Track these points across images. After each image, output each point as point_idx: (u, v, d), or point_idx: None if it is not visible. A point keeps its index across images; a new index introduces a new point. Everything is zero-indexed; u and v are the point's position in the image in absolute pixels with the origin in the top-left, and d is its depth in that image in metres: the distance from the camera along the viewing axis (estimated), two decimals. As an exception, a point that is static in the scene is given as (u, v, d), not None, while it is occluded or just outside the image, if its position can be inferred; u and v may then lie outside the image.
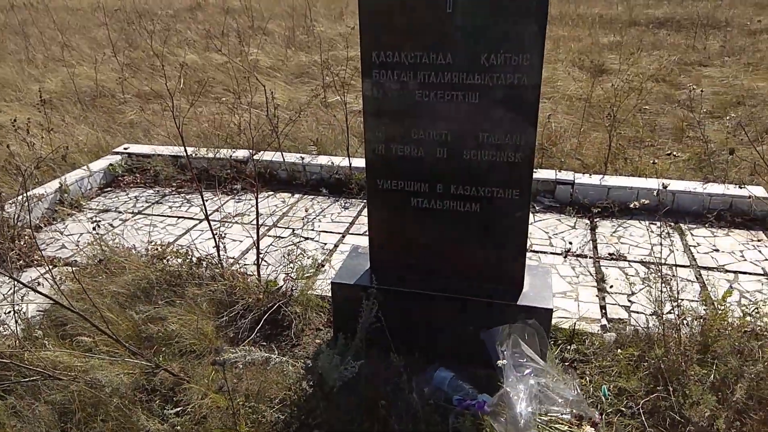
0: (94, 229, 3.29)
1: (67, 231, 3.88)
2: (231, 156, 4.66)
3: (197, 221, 4.02)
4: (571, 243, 3.56)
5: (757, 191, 3.83)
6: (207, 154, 4.65)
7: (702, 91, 5.82)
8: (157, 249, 3.27)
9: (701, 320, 2.50)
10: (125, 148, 4.96)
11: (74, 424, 2.13)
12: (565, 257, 3.42)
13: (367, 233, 2.66)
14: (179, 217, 4.09)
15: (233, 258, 3.45)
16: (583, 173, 4.21)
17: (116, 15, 11.63)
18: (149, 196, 4.47)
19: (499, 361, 2.15)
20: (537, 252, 3.49)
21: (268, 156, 4.64)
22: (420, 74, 2.23)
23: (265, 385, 2.37)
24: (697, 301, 2.89)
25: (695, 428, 2.00)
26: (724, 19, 10.43)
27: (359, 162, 4.38)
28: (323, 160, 4.57)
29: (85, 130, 5.47)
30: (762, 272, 3.23)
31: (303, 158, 4.60)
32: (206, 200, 4.28)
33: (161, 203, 4.34)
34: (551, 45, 8.50)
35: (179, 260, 3.13)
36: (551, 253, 3.48)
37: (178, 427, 2.16)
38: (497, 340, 2.23)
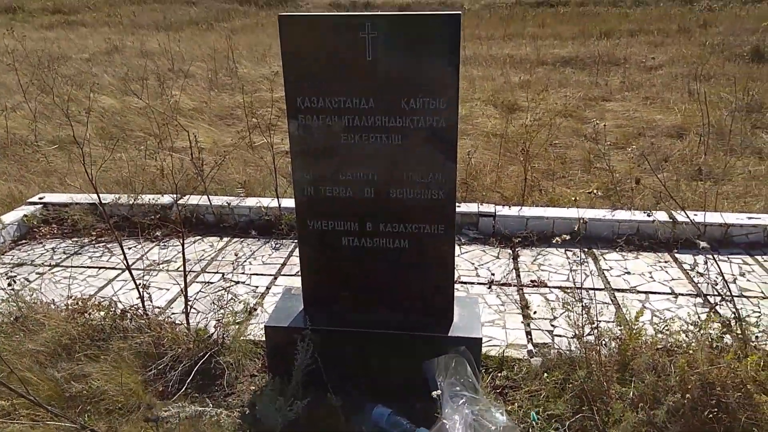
0: (9, 285, 3.11)
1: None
2: (154, 202, 4.55)
3: (119, 271, 3.88)
4: (493, 274, 3.71)
5: (661, 216, 4.17)
6: (129, 201, 4.52)
7: (605, 125, 6.30)
8: (77, 303, 3.12)
9: (618, 340, 2.68)
10: (40, 198, 4.73)
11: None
12: (490, 287, 3.56)
13: (299, 274, 2.68)
14: (100, 268, 3.93)
15: (159, 308, 3.35)
16: (503, 205, 4.43)
17: (27, 59, 11.16)
18: (67, 247, 4.27)
19: (433, 392, 2.21)
20: (464, 283, 3.61)
21: (194, 200, 4.56)
22: (344, 118, 2.32)
23: (200, 438, 2.30)
24: (612, 322, 3.08)
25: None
26: (622, 57, 11.35)
27: (289, 202, 4.40)
28: (251, 201, 4.56)
29: (-5, 181, 5.18)
30: (670, 291, 3.50)
31: (230, 201, 4.57)
32: (129, 248, 4.17)
33: (80, 254, 4.15)
34: (467, 84, 8.93)
35: (101, 313, 3.01)
36: (478, 283, 3.61)
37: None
38: (434, 371, 2.29)
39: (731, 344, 2.49)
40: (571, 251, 3.95)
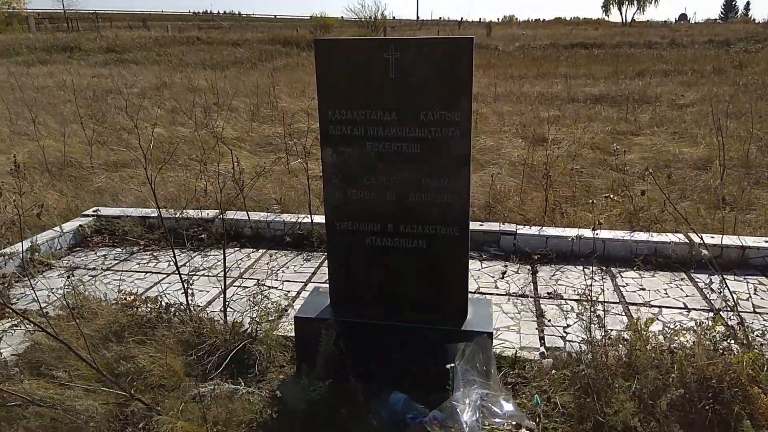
0: (68, 278, 3.46)
1: (37, 287, 4.00)
2: (198, 216, 4.92)
3: (164, 275, 4.21)
4: (511, 286, 3.90)
5: (677, 238, 4.30)
6: (175, 215, 4.89)
7: (631, 156, 6.45)
8: (126, 298, 3.44)
9: (626, 343, 2.83)
10: (94, 211, 5.16)
11: (51, 448, 2.26)
12: (507, 297, 3.75)
13: (327, 281, 2.94)
14: (147, 272, 4.27)
15: (199, 306, 3.64)
16: (524, 225, 4.62)
17: (83, 93, 12.01)
18: (117, 254, 4.65)
19: (448, 365, 2.41)
20: (484, 294, 3.80)
21: (233, 215, 4.91)
22: (370, 128, 2.61)
23: (233, 414, 2.54)
24: (624, 331, 3.22)
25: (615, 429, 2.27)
26: (654, 95, 11.50)
27: (320, 218, 4.69)
28: (286, 217, 4.87)
29: (54, 196, 5.65)
30: (683, 306, 3.61)
31: (267, 216, 4.89)
32: (175, 256, 4.51)
33: (129, 260, 4.52)
34: (497, 119, 9.23)
35: (149, 306, 3.32)
36: (497, 294, 3.80)
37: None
38: (454, 354, 2.50)
39: (731, 345, 2.62)
40: (589, 268, 4.10)
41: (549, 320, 3.43)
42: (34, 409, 2.42)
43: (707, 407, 2.31)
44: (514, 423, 2.42)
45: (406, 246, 2.75)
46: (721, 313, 3.37)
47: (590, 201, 4.95)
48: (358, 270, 2.87)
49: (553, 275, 4.08)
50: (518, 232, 4.47)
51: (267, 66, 19.30)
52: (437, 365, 2.61)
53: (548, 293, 3.79)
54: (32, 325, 2.72)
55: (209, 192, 5.61)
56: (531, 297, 3.75)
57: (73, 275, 3.58)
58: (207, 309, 3.63)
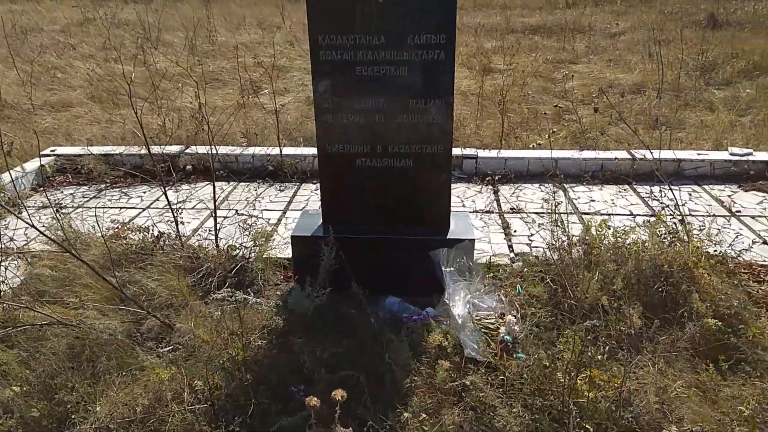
0: (56, 211, 3.47)
1: (11, 227, 3.97)
2: (163, 151, 4.91)
3: (140, 210, 4.25)
4: (477, 204, 4.22)
5: (621, 155, 4.73)
6: (139, 151, 4.86)
7: (572, 84, 6.83)
8: (114, 229, 3.51)
9: (585, 245, 3.22)
10: (52, 150, 5.04)
11: (81, 361, 2.41)
12: (475, 214, 4.07)
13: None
14: (121, 208, 4.30)
15: (186, 236, 3.76)
16: (484, 149, 4.92)
17: (-1, 31, 11.12)
18: (85, 192, 4.62)
19: (445, 269, 2.72)
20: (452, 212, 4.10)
21: (200, 150, 4.93)
22: (359, 53, 2.75)
23: (245, 321, 2.75)
24: (581, 234, 3.61)
25: (585, 308, 2.66)
26: (587, 24, 11.91)
27: (290, 150, 4.81)
28: (255, 150, 4.95)
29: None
30: (629, 213, 4.06)
31: (234, 150, 4.95)
32: (144, 193, 4.54)
33: (99, 197, 4.51)
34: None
35: (139, 236, 3.41)
36: (464, 212, 4.11)
37: (173, 360, 2.50)
38: (440, 260, 2.79)
39: (675, 239, 3.05)
40: (545, 185, 4.48)
41: (515, 231, 3.79)
42: (55, 331, 2.54)
43: (660, 288, 2.73)
44: (499, 313, 2.77)
45: (395, 165, 2.96)
46: (663, 213, 3.84)
47: (542, 126, 5.30)
48: (349, 190, 3.07)
49: (513, 193, 4.43)
50: (479, 155, 4.77)
51: (196, -2, 18.29)
52: (427, 272, 2.90)
53: (511, 209, 4.14)
54: (35, 257, 2.79)
55: (168, 129, 5.55)
56: (496, 212, 4.10)
57: (60, 211, 3.58)
58: (193, 238, 3.75)
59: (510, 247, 3.60)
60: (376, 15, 2.68)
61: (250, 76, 7.07)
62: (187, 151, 4.94)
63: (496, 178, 4.57)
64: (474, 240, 3.01)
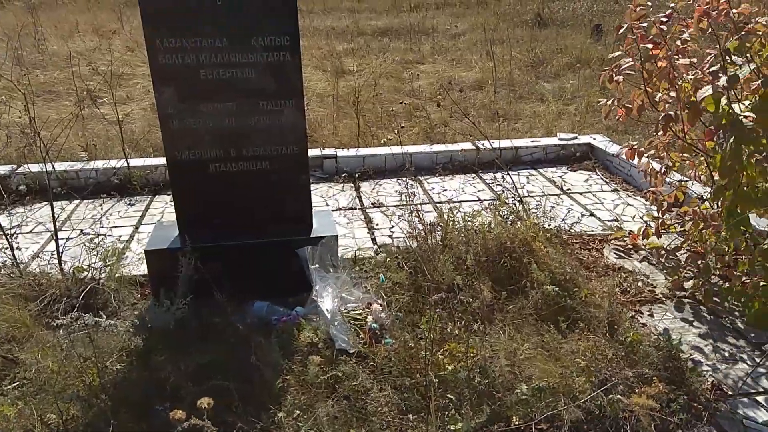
0: None
1: None
2: (-11, 173, 4.40)
3: (-35, 240, 3.78)
4: (337, 200, 4.32)
5: (467, 146, 5.08)
6: (-42, 174, 4.32)
7: (420, 84, 7.20)
8: (-67, 263, 3.10)
9: (440, 229, 3.43)
10: None
11: None
12: (339, 212, 4.16)
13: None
14: (-60, 240, 3.79)
15: (24, 262, 3.41)
16: (342, 149, 5.03)
17: None
18: None
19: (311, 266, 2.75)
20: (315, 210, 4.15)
21: (34, 168, 4.50)
22: (202, 56, 2.69)
23: (100, 345, 2.57)
24: (436, 222, 3.85)
25: (443, 288, 2.85)
26: (430, 26, 12.57)
27: (136, 162, 4.55)
28: (98, 164, 4.62)
29: None
30: (477, 198, 4.39)
31: (74, 165, 4.58)
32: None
33: None
34: (295, 52, 9.37)
35: (-34, 267, 3.05)
36: (327, 210, 4.18)
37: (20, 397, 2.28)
38: (307, 257, 2.82)
39: (516, 218, 3.36)
40: (402, 180, 4.69)
41: (377, 224, 3.93)
42: None
43: (505, 263, 3.00)
44: (366, 303, 2.87)
45: (250, 168, 2.94)
46: (504, 196, 4.20)
47: (395, 124, 5.53)
48: (205, 197, 3.00)
49: (373, 188, 4.59)
50: (338, 155, 4.87)
51: (17, 4, 16.52)
52: (294, 273, 2.92)
53: (372, 203, 4.28)
54: None
55: (-6, 147, 4.99)
56: (359, 208, 4.21)
57: None
58: (33, 264, 3.42)
59: (373, 240, 3.73)
60: (216, 16, 2.65)
61: (87, 86, 6.55)
62: (19, 170, 4.48)
63: (357, 175, 4.69)
64: (337, 236, 3.08)
